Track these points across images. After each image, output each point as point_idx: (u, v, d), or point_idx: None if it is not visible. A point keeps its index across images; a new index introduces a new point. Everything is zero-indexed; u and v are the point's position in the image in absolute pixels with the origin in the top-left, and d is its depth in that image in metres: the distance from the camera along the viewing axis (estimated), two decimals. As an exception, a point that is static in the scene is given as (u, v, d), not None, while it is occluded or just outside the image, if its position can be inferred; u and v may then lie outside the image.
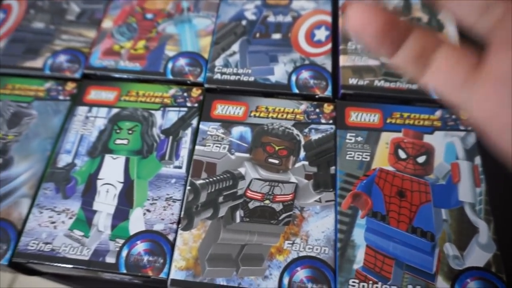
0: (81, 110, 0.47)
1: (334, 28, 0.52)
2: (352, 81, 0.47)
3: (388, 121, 0.45)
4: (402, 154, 0.43)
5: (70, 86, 0.48)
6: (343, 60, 0.49)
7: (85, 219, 0.40)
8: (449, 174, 0.42)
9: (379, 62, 0.49)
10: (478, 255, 0.38)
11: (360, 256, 0.38)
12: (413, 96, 0.46)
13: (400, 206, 0.40)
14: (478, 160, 0.42)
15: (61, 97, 0.48)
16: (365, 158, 0.43)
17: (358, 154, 0.43)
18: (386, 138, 0.44)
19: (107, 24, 0.53)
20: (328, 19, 0.53)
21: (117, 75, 0.49)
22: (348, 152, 0.43)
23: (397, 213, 0.40)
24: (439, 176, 0.42)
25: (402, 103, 0.47)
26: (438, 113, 0.46)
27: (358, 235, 0.39)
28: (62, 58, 0.50)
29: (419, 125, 0.45)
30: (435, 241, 0.38)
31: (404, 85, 0.47)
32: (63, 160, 0.44)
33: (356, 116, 0.46)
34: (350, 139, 0.44)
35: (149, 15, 0.54)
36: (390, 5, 0.53)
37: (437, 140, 0.44)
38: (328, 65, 0.49)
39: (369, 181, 0.42)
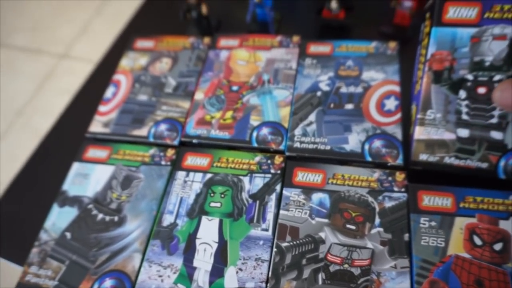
0: (180, 175, 0.54)
1: (403, 97, 0.57)
2: (423, 157, 0.48)
3: (461, 205, 0.46)
4: (477, 241, 0.44)
5: (170, 152, 0.57)
6: (419, 132, 0.49)
7: (187, 275, 0.47)
8: (528, 264, 0.42)
9: (455, 136, 0.48)
10: None
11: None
12: (480, 174, 0.47)
13: (480, 297, 0.41)
14: None
15: (163, 162, 0.56)
16: (440, 243, 0.44)
17: (433, 240, 0.45)
18: (460, 223, 0.45)
19: (199, 96, 0.61)
20: (397, 89, 0.57)
21: (209, 143, 0.57)
22: (423, 237, 0.45)
23: (477, 304, 0.41)
24: (517, 265, 0.42)
25: (469, 180, 0.47)
26: None
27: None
28: (162, 127, 0.59)
29: (494, 210, 0.45)
30: (519, 334, 0.39)
31: (474, 163, 0.47)
32: (167, 219, 0.51)
33: (429, 200, 0.47)
34: (424, 224, 0.46)
35: (234, 87, 0.61)
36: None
37: (514, 227, 0.44)
38: (398, 134, 0.53)
39: (446, 268, 0.43)
